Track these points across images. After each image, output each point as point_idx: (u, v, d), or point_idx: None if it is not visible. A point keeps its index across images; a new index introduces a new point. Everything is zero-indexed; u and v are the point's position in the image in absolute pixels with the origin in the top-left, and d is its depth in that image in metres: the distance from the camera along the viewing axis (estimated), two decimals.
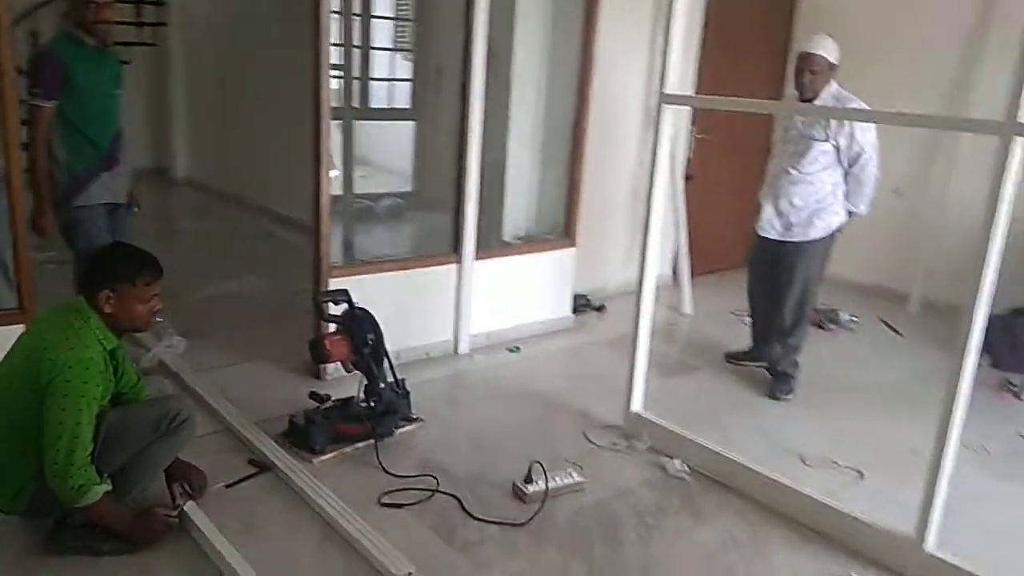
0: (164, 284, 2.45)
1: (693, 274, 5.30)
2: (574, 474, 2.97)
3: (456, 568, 2.46)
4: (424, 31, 6.51)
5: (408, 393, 3.30)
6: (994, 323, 4.23)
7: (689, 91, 5.13)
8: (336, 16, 3.66)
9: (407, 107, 6.94)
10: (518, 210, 4.72)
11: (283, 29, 6.39)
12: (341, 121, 5.09)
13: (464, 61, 3.94)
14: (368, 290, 3.48)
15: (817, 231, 3.73)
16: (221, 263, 5.49)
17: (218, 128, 8.00)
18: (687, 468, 3.11)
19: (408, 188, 6.81)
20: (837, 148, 3.62)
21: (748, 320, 4.22)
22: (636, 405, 3.40)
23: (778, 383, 3.91)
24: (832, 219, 3.73)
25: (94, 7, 3.26)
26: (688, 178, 5.34)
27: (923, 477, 2.49)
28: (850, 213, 3.77)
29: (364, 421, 3.10)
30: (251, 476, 2.86)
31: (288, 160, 6.41)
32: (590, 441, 3.33)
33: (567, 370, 4.12)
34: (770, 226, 3.80)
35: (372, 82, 6.90)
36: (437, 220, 4.88)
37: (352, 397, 3.20)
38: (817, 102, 3.63)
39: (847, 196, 3.73)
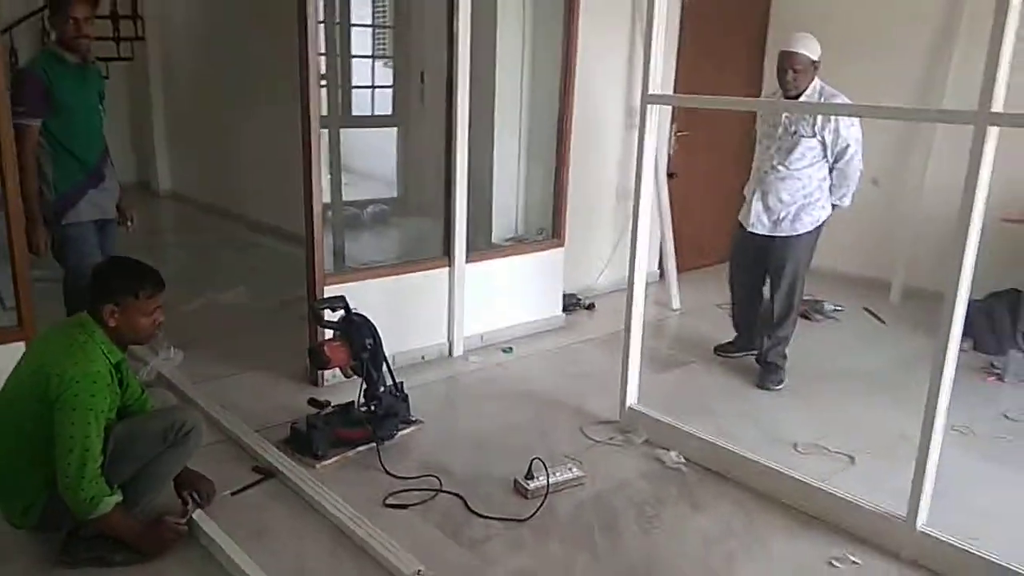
0: None
1: (679, 270, 5.38)
2: (573, 469, 3.03)
3: (464, 565, 2.51)
4: (404, 37, 6.56)
5: (407, 396, 3.35)
6: (974, 308, 4.37)
7: (669, 91, 5.21)
8: (320, 25, 3.70)
9: (389, 114, 6.98)
10: (506, 212, 4.79)
11: (262, 39, 6.44)
12: (327, 129, 5.13)
13: (448, 66, 3.99)
14: (362, 296, 3.52)
15: (805, 225, 3.82)
16: (210, 274, 5.50)
17: (200, 140, 7.99)
18: (683, 459, 3.18)
19: (393, 194, 6.85)
20: (823, 144, 3.71)
21: (730, 311, 4.30)
22: (631, 400, 3.46)
23: (767, 374, 3.99)
24: (819, 213, 3.83)
25: (74, 23, 3.27)
26: (671, 175, 5.42)
27: (912, 460, 2.57)
28: (834, 206, 3.87)
29: (365, 425, 3.15)
30: (256, 483, 2.89)
31: (272, 170, 6.45)
32: (587, 437, 3.40)
33: (561, 368, 4.18)
34: (758, 221, 3.88)
35: (354, 90, 6.93)
36: (425, 225, 4.93)
37: (351, 402, 3.24)
38: (802, 99, 3.71)
39: (831, 190, 3.82)
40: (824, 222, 3.87)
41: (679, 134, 5.56)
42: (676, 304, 5.24)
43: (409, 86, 6.31)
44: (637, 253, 3.32)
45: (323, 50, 5.27)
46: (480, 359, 4.23)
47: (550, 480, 2.90)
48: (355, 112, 6.91)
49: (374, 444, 3.10)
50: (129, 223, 3.75)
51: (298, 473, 2.92)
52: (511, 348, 4.39)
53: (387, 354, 3.28)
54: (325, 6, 4.74)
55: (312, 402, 3.20)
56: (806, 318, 4.98)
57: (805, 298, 5.07)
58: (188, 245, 6.67)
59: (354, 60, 6.70)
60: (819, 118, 3.67)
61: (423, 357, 4.12)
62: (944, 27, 5.18)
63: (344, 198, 5.55)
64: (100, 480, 2.29)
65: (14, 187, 2.89)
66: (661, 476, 3.10)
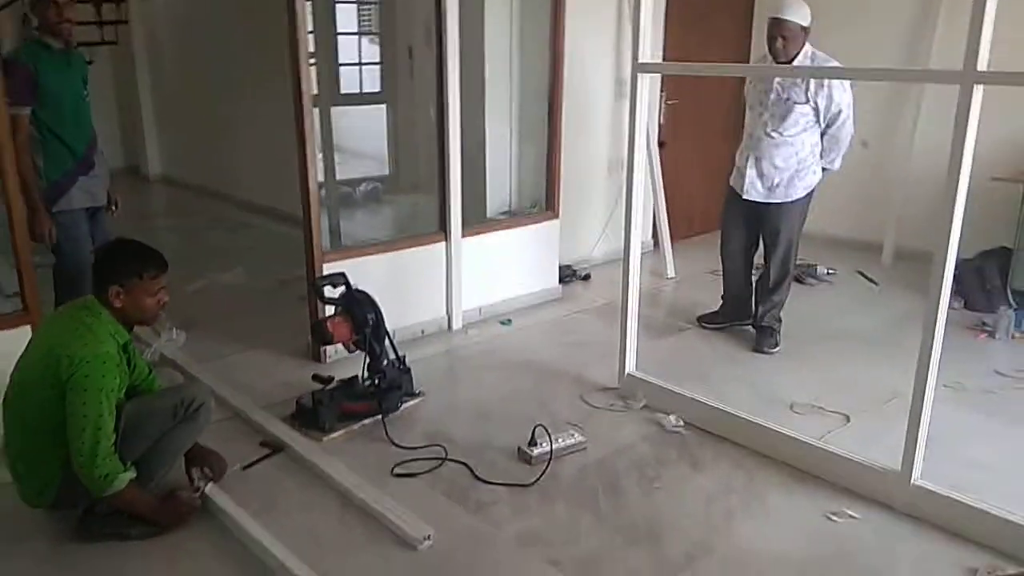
0: None
1: (673, 239, 5.42)
2: (575, 435, 3.09)
3: (473, 528, 2.58)
4: (390, 12, 6.53)
5: (409, 369, 3.40)
6: (965, 267, 4.44)
7: (658, 60, 5.21)
8: (307, 3, 3.70)
9: (378, 91, 6.96)
10: (500, 186, 4.81)
11: (247, 19, 6.41)
12: (318, 108, 5.12)
13: (438, 40, 3.99)
14: (360, 272, 3.54)
15: (798, 191, 3.86)
16: (207, 256, 5.53)
17: (189, 123, 7.97)
18: (683, 423, 3.25)
19: (385, 172, 6.86)
20: (816, 109, 3.73)
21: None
22: (630, 366, 3.52)
23: (763, 337, 4.06)
24: (812, 179, 3.87)
25: (55, 7, 3.26)
26: (661, 144, 5.45)
27: (906, 416, 2.63)
28: (824, 170, 3.91)
29: (369, 398, 3.20)
30: (265, 457, 2.95)
31: (263, 150, 6.46)
32: (588, 404, 3.46)
33: (559, 338, 4.24)
34: (752, 188, 3.91)
35: (341, 68, 6.90)
36: (419, 201, 4.96)
37: (355, 376, 3.29)
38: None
39: (822, 154, 3.85)
40: (816, 187, 3.91)
41: (668, 103, 5.57)
42: (671, 272, 5.30)
43: (397, 62, 6.30)
44: (632, 221, 3.36)
45: (311, 28, 5.26)
46: (479, 332, 4.28)
47: (553, 446, 2.97)
48: (343, 90, 6.90)
49: (379, 416, 3.15)
50: (113, 208, 3.74)
51: (305, 447, 2.98)
52: (509, 320, 4.44)
53: (388, 329, 3.33)
54: None
55: (316, 378, 3.24)
56: (800, 282, 5.04)
57: (798, 262, 5.14)
58: (181, 228, 6.68)
59: (340, 37, 6.68)
60: (812, 84, 3.69)
61: (423, 332, 4.17)
62: None
63: (337, 177, 5.56)
64: (114, 458, 2.34)
65: (14, 176, 2.89)
66: (661, 439, 3.17)
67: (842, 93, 3.70)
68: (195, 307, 4.44)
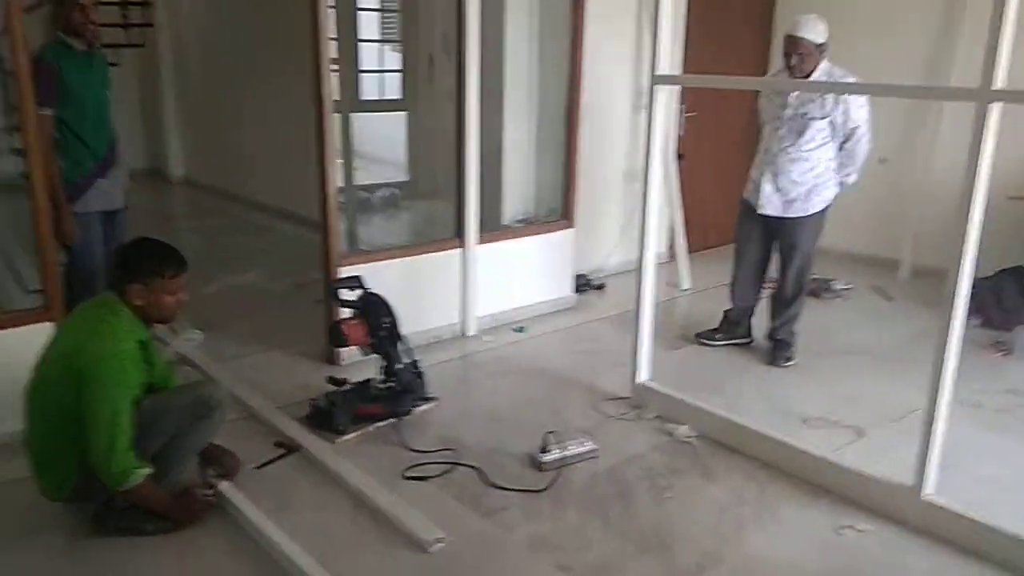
0: None
1: (689, 250, 5.43)
2: (587, 443, 3.09)
3: (483, 532, 2.60)
4: (411, 21, 6.59)
5: (423, 373, 3.42)
6: (982, 285, 4.41)
7: (677, 72, 5.23)
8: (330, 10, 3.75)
9: (398, 98, 7.03)
10: (516, 194, 4.84)
11: (271, 25, 6.49)
12: (338, 114, 5.18)
13: (458, 48, 4.03)
14: (376, 276, 3.57)
15: (815, 206, 3.86)
16: (225, 258, 5.59)
17: (211, 126, 8.07)
18: (694, 433, 3.25)
19: (403, 177, 6.92)
20: (833, 125, 3.73)
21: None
22: (642, 376, 3.53)
23: (778, 350, 4.05)
24: (828, 193, 3.87)
25: (80, 9, 3.29)
26: (680, 156, 5.46)
27: (920, 432, 2.63)
28: (840, 184, 3.90)
29: (383, 401, 3.23)
30: (279, 457, 2.98)
31: (283, 155, 6.53)
32: (600, 412, 3.47)
33: (572, 347, 4.25)
34: (769, 203, 3.90)
35: (363, 74, 6.98)
36: (436, 207, 5.00)
37: (369, 379, 3.32)
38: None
39: (838, 169, 3.85)
40: (832, 201, 3.91)
41: (688, 115, 5.59)
42: (686, 284, 5.30)
43: (417, 69, 6.36)
44: (648, 231, 3.37)
45: (334, 34, 5.33)
46: (493, 338, 4.30)
47: (564, 453, 2.98)
48: (364, 96, 6.97)
49: (392, 419, 3.18)
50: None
51: (319, 447, 3.01)
52: (523, 328, 4.46)
53: (402, 333, 3.36)
54: None
55: (331, 380, 3.28)
56: (816, 296, 5.03)
57: (814, 277, 5.13)
58: (202, 230, 6.75)
59: (362, 44, 6.75)
60: (829, 99, 3.69)
61: (437, 337, 4.20)
62: (951, 6, 5.19)
63: (356, 182, 5.62)
64: (130, 453, 2.37)
65: (40, 176, 2.94)
66: (673, 449, 3.17)
67: (859, 109, 3.70)
68: (213, 308, 4.49)
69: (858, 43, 5.14)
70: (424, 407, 3.40)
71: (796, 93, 3.76)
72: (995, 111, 2.31)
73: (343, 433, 3.13)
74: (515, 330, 4.43)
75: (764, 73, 5.81)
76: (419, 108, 6.49)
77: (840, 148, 3.80)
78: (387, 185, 6.62)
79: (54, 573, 2.39)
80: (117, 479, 2.36)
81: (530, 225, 4.74)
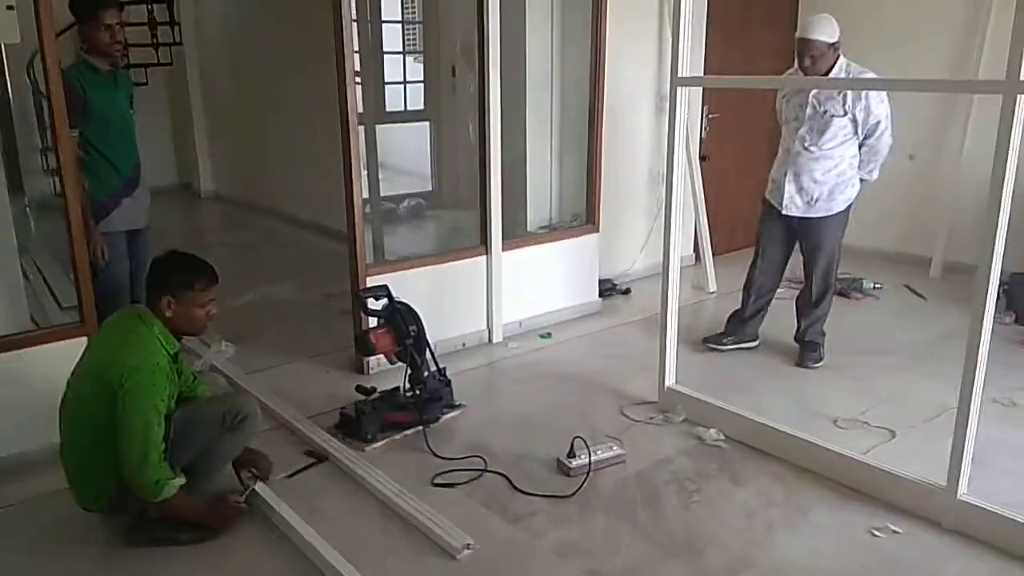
0: None
1: (715, 253, 5.40)
2: (615, 448, 3.09)
3: (511, 538, 2.61)
4: (433, 32, 6.65)
5: (450, 381, 3.45)
6: (1015, 281, 4.34)
7: (699, 73, 5.22)
8: (353, 23, 3.80)
9: (421, 108, 7.09)
10: (540, 200, 4.86)
11: (297, 40, 6.58)
12: (363, 126, 5.24)
13: (479, 58, 4.06)
14: (403, 285, 3.61)
15: (839, 205, 3.83)
16: (255, 271, 5.67)
17: (240, 141, 8.19)
18: (723, 436, 3.24)
19: (428, 188, 6.97)
20: (855, 122, 3.70)
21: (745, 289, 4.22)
22: (670, 380, 3.52)
23: (807, 352, 4.01)
24: (851, 191, 3.84)
25: (107, 29, 3.31)
26: (703, 158, 5.44)
27: (953, 431, 2.59)
28: (862, 180, 3.87)
29: (411, 409, 3.25)
30: (309, 466, 3.02)
31: (310, 168, 6.61)
32: (627, 417, 3.46)
33: (599, 352, 4.25)
34: (792, 203, 3.87)
35: (387, 86, 7.05)
36: (461, 216, 5.03)
37: (397, 387, 3.35)
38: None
39: (860, 165, 3.82)
40: (855, 199, 3.87)
41: (710, 117, 5.57)
42: (712, 287, 5.27)
43: (440, 80, 6.42)
44: (671, 234, 3.37)
45: (357, 48, 5.40)
46: (519, 345, 4.31)
47: (592, 458, 2.98)
48: (388, 108, 7.04)
49: (420, 427, 3.20)
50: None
51: (348, 456, 3.04)
52: (549, 333, 4.47)
53: (429, 341, 3.38)
54: (357, 5, 4.84)
55: (360, 388, 3.31)
56: (845, 296, 4.99)
57: (843, 276, 5.09)
58: (232, 243, 6.85)
59: (386, 56, 6.82)
60: (849, 96, 3.66)
61: (463, 344, 4.22)
62: (976, 1, 5.12)
63: (381, 193, 5.68)
64: (162, 466, 2.41)
65: (75, 196, 3.00)
66: (701, 453, 3.16)
67: (879, 104, 3.67)
68: (244, 320, 4.56)
69: (884, 41, 5.10)
70: (451, 414, 3.42)
71: (815, 91, 3.74)
72: (1022, 103, 2.28)
73: (372, 441, 3.16)
74: (541, 336, 4.44)
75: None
76: (442, 118, 6.55)
77: (862, 145, 3.77)
78: (413, 195, 6.68)
79: None
80: (151, 491, 2.40)
81: (555, 231, 4.75)
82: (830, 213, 3.84)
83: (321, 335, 4.34)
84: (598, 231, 4.74)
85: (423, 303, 3.52)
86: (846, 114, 3.68)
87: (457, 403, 3.48)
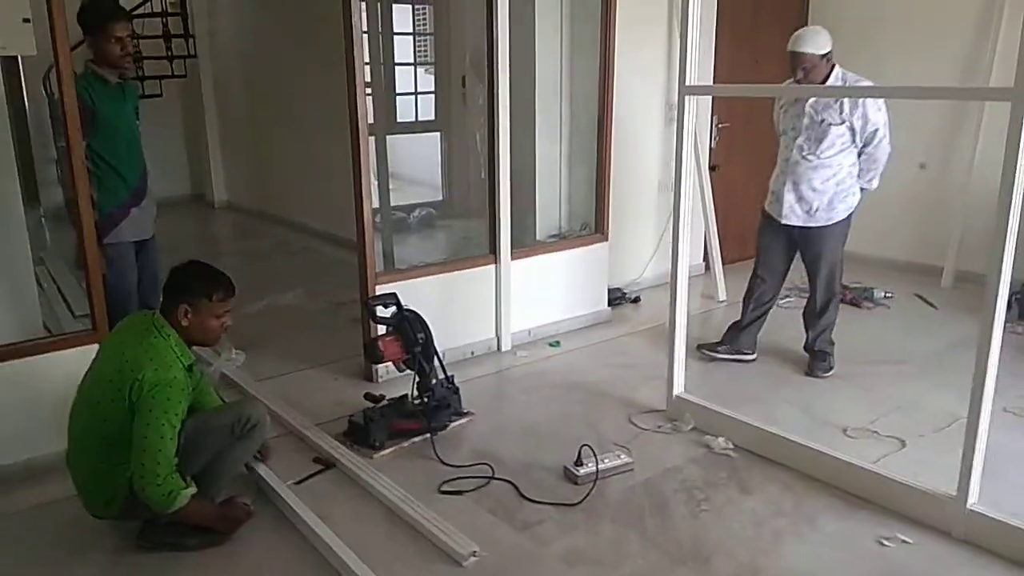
0: None
1: (724, 262, 5.40)
2: (622, 456, 3.09)
3: (518, 546, 2.60)
4: (444, 43, 6.70)
5: (458, 389, 3.46)
6: None
7: (708, 82, 5.23)
8: (364, 35, 3.83)
9: (431, 119, 7.13)
10: (550, 209, 4.87)
11: (309, 51, 6.64)
12: (374, 137, 5.28)
13: (489, 68, 4.09)
14: (412, 294, 3.63)
15: (839, 214, 3.82)
16: (266, 279, 5.70)
17: (252, 152, 8.26)
18: (732, 445, 3.23)
19: (438, 197, 7.01)
20: (852, 130, 3.70)
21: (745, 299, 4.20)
22: (678, 388, 3.51)
23: (816, 361, 4.00)
24: (852, 200, 3.84)
25: (118, 41, 3.32)
26: (713, 168, 5.44)
27: (963, 441, 2.57)
28: (862, 190, 3.86)
29: (419, 417, 3.26)
30: (317, 473, 3.03)
31: (322, 178, 6.66)
32: (635, 425, 3.46)
33: (608, 360, 4.24)
34: (792, 213, 3.87)
35: (398, 97, 7.10)
36: (471, 226, 5.04)
37: (405, 395, 3.36)
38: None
39: (860, 174, 3.81)
40: (856, 208, 3.87)
41: (720, 126, 5.58)
42: (722, 296, 5.26)
43: (451, 91, 6.46)
44: (679, 243, 3.37)
45: (367, 59, 5.45)
46: (528, 353, 4.31)
47: (599, 466, 2.98)
48: (400, 119, 7.08)
49: (428, 435, 3.21)
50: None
51: (356, 463, 3.05)
52: (558, 342, 4.47)
53: (438, 349, 3.39)
54: (369, 17, 4.88)
55: (368, 396, 3.33)
56: (855, 305, 4.97)
57: (854, 285, 5.08)
58: (244, 252, 6.90)
59: (397, 68, 6.87)
60: (846, 105, 3.67)
61: (472, 353, 4.23)
62: (987, 9, 5.11)
63: (392, 203, 5.71)
64: (173, 478, 2.40)
65: (87, 207, 3.04)
66: (710, 462, 3.15)
67: (877, 112, 3.67)
68: (254, 328, 4.58)
69: (896, 49, 5.09)
70: (459, 422, 3.43)
71: (812, 101, 3.75)
72: None
73: (380, 448, 3.17)
74: (550, 344, 4.44)
75: None
76: (453, 129, 6.58)
77: (860, 153, 3.77)
78: (423, 205, 6.71)
79: None
80: (162, 503, 2.39)
81: (564, 240, 4.76)
82: (830, 222, 3.84)
83: (330, 343, 4.37)
84: (607, 240, 4.75)
85: (432, 311, 3.54)
86: (843, 122, 3.69)
87: (465, 411, 3.49)
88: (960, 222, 5.28)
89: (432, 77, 7.21)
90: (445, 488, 2.93)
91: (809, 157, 3.78)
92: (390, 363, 3.39)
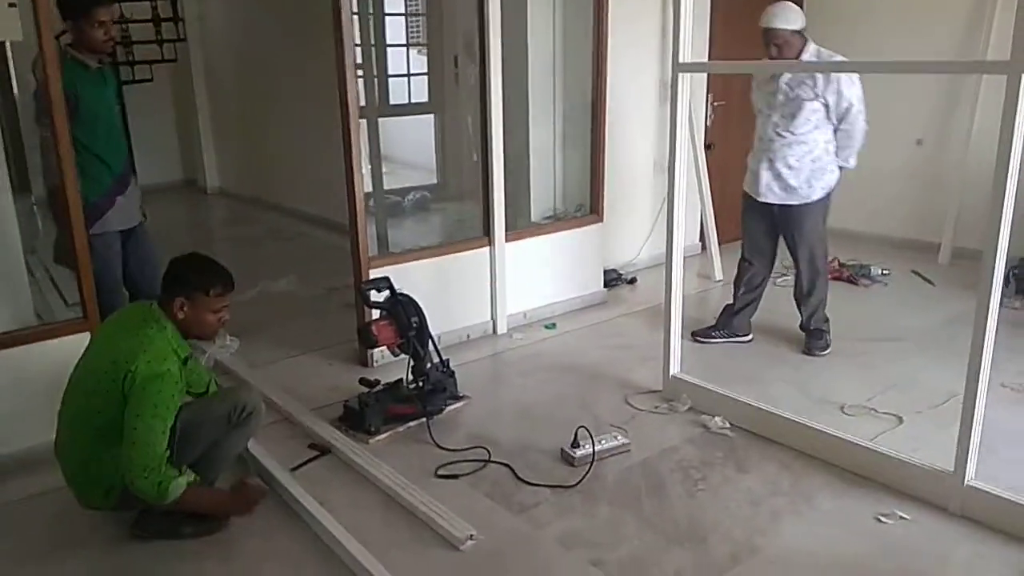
0: None
1: (721, 241, 5.37)
2: (619, 437, 3.08)
3: (515, 529, 2.60)
4: (436, 24, 6.62)
5: (454, 372, 3.44)
6: (1022, 265, 4.29)
7: (703, 60, 5.18)
8: (353, 16, 3.78)
9: (425, 101, 7.06)
10: (544, 190, 4.84)
11: (299, 34, 6.57)
12: (365, 120, 5.22)
13: (481, 47, 4.04)
14: (406, 277, 3.60)
15: (817, 192, 3.81)
16: (260, 265, 5.67)
17: (244, 136, 8.20)
18: (728, 425, 3.22)
19: (432, 180, 6.95)
20: (826, 106, 3.68)
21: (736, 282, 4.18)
22: (674, 368, 3.50)
23: (812, 340, 3.99)
24: (830, 178, 3.82)
25: (101, 26, 3.24)
26: (709, 146, 5.41)
27: (960, 417, 2.56)
28: (840, 168, 3.83)
29: (414, 401, 3.25)
30: (313, 459, 3.02)
31: (315, 162, 6.61)
32: (632, 406, 3.45)
33: (604, 342, 4.23)
34: (769, 191, 3.86)
35: (390, 79, 7.03)
36: (466, 209, 5.01)
37: (400, 379, 3.34)
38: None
39: (837, 152, 3.79)
40: (835, 186, 3.84)
41: (715, 104, 5.53)
42: (719, 275, 5.24)
43: (443, 72, 6.39)
44: (674, 223, 3.34)
45: (358, 40, 5.38)
46: (524, 336, 4.30)
47: (596, 448, 2.97)
48: (392, 101, 7.02)
49: (424, 419, 3.19)
50: (143, 220, 3.68)
51: (352, 448, 3.04)
52: (554, 324, 4.46)
53: (432, 333, 3.38)
54: None
55: (363, 381, 3.31)
56: (852, 283, 4.96)
57: (851, 263, 5.07)
58: (237, 238, 6.87)
59: (389, 49, 6.80)
60: (820, 80, 3.64)
61: (468, 335, 4.21)
62: None
63: (385, 186, 5.66)
64: (164, 468, 2.36)
65: (75, 196, 2.99)
66: (706, 441, 3.14)
67: (851, 87, 3.64)
68: (248, 314, 4.54)
69: (894, 25, 5.04)
70: (455, 406, 3.42)
71: (787, 77, 3.72)
72: None
73: (375, 433, 3.16)
74: (546, 327, 4.43)
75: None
76: (447, 111, 6.53)
77: (836, 130, 3.74)
78: (417, 188, 6.66)
79: None
80: (154, 495, 2.36)
81: (559, 221, 4.73)
82: (809, 200, 3.82)
83: (324, 328, 4.35)
84: (602, 221, 4.72)
85: (427, 295, 3.52)
86: (817, 97, 3.67)
87: (461, 394, 3.48)
88: (957, 198, 5.26)
89: (425, 58, 7.13)
90: (441, 472, 2.92)
91: (784, 134, 3.77)
92: (384, 348, 3.38)
